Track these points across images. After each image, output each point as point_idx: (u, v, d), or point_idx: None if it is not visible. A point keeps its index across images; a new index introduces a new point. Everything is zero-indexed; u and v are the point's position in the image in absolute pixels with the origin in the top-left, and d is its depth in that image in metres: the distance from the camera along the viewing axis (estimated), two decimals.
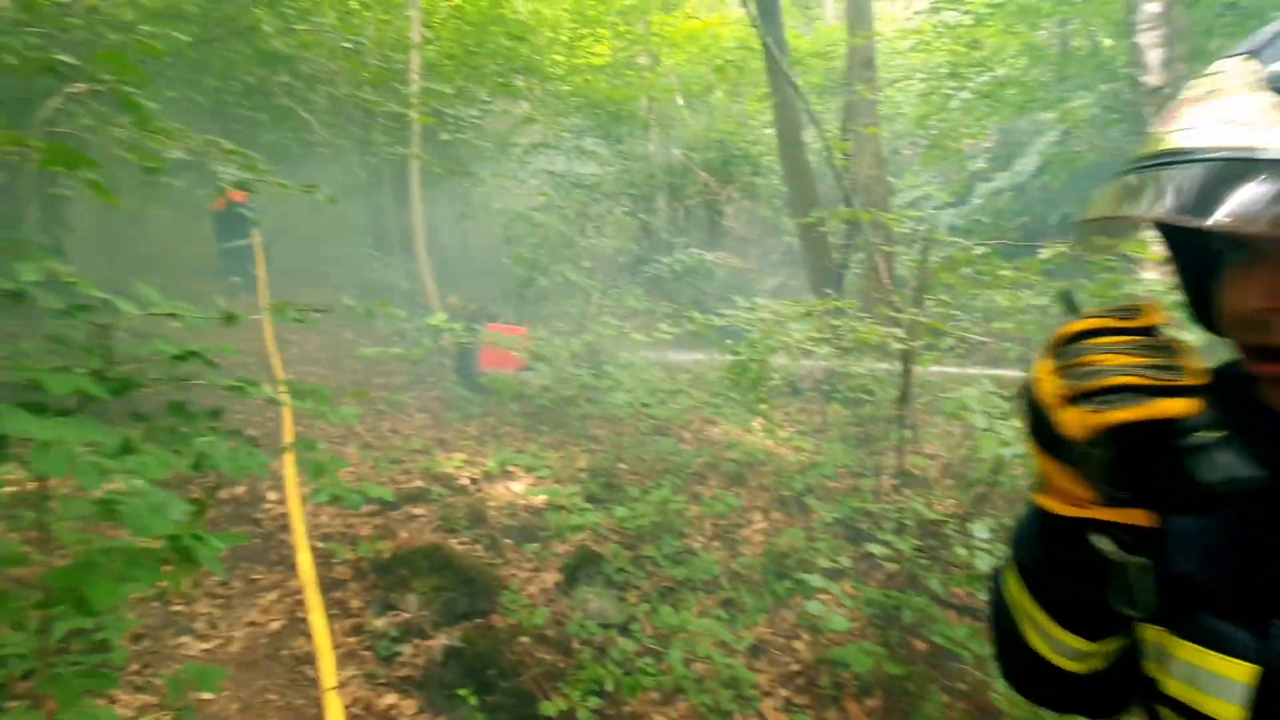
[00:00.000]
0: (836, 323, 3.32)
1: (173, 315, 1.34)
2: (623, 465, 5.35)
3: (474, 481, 4.76)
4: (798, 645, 3.51)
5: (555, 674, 2.94)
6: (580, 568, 3.66)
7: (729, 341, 5.18)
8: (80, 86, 2.09)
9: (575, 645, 3.15)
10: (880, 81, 10.06)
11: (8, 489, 3.49)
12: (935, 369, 4.73)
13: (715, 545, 4.31)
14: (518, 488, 4.73)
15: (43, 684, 1.40)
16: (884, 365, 6.21)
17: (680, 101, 16.12)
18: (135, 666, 2.63)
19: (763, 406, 4.57)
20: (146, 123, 1.39)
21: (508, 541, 4.01)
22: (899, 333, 3.03)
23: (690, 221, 15.54)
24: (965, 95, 9.56)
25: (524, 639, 3.11)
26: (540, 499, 4.51)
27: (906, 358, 3.27)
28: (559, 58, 14.21)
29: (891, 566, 3.13)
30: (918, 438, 4.66)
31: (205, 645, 2.88)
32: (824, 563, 3.48)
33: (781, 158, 9.65)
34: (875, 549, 2.42)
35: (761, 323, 3.25)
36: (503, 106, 13.37)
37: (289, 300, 1.86)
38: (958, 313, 3.67)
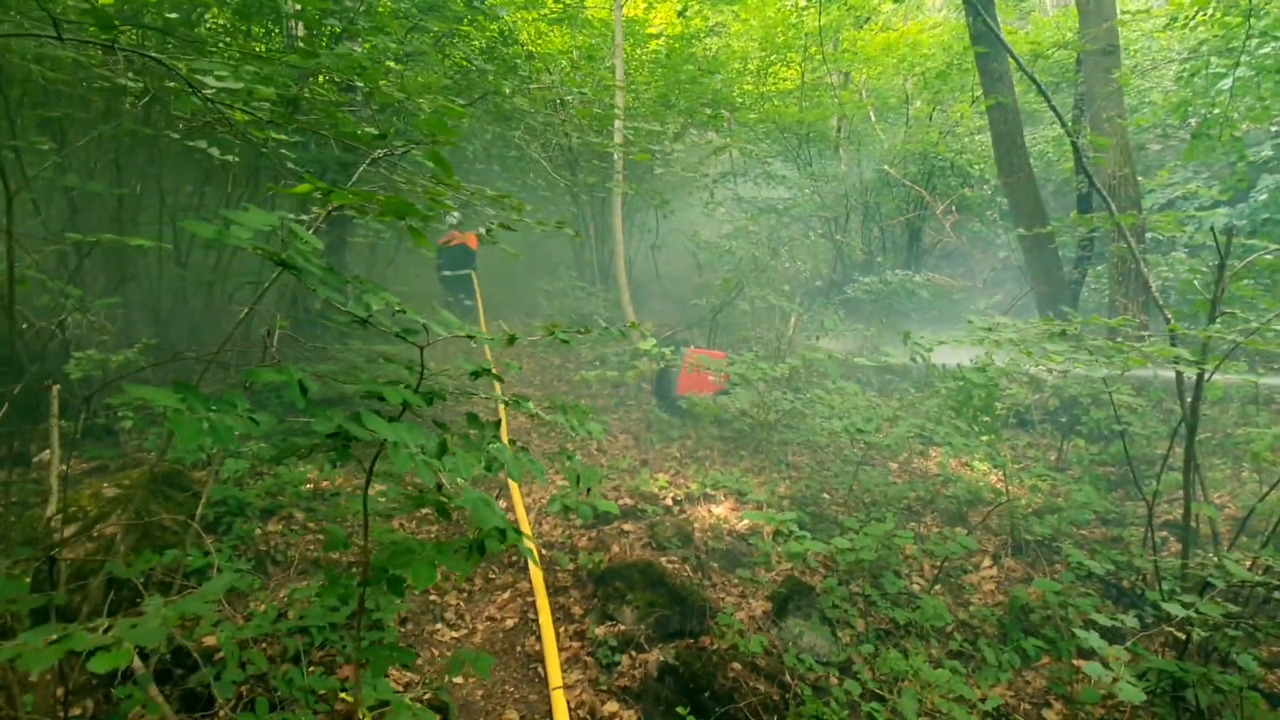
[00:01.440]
0: (1100, 342, 2.85)
1: (470, 336, 1.54)
2: (826, 495, 5.12)
3: (677, 502, 4.85)
4: (1049, 715, 3.05)
5: (770, 707, 2.85)
6: (790, 599, 3.54)
7: (949, 365, 4.75)
8: (381, 150, 2.54)
9: (789, 679, 3.03)
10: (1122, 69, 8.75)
11: (307, 486, 4.24)
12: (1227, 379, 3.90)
13: (937, 590, 3.93)
14: (719, 511, 4.73)
15: (361, 652, 1.66)
16: (1145, 372, 5.29)
17: (873, 118, 15.43)
18: (401, 644, 3.02)
19: (986, 438, 4.10)
20: (449, 175, 1.64)
21: (714, 565, 4.01)
22: (1186, 354, 2.52)
23: (887, 240, 14.70)
24: (1242, 72, 7.96)
25: (736, 665, 3.06)
26: (744, 524, 4.46)
27: (1197, 384, 2.71)
28: (748, 86, 14.36)
29: (1174, 633, 2.60)
30: (1201, 482, 3.86)
31: (454, 633, 3.23)
32: (1084, 622, 3.00)
33: (999, 164, 8.79)
34: (1174, 608, 1.98)
35: (1009, 343, 2.90)
36: (694, 139, 13.80)
37: (511, 324, 2.05)
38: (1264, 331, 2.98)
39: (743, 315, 8.91)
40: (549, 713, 2.75)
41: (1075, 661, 3.02)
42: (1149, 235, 8.70)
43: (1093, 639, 2.03)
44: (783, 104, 14.23)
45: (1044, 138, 14.19)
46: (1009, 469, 4.27)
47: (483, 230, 2.82)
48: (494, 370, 1.57)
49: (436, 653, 3.07)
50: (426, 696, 2.68)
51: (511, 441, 1.71)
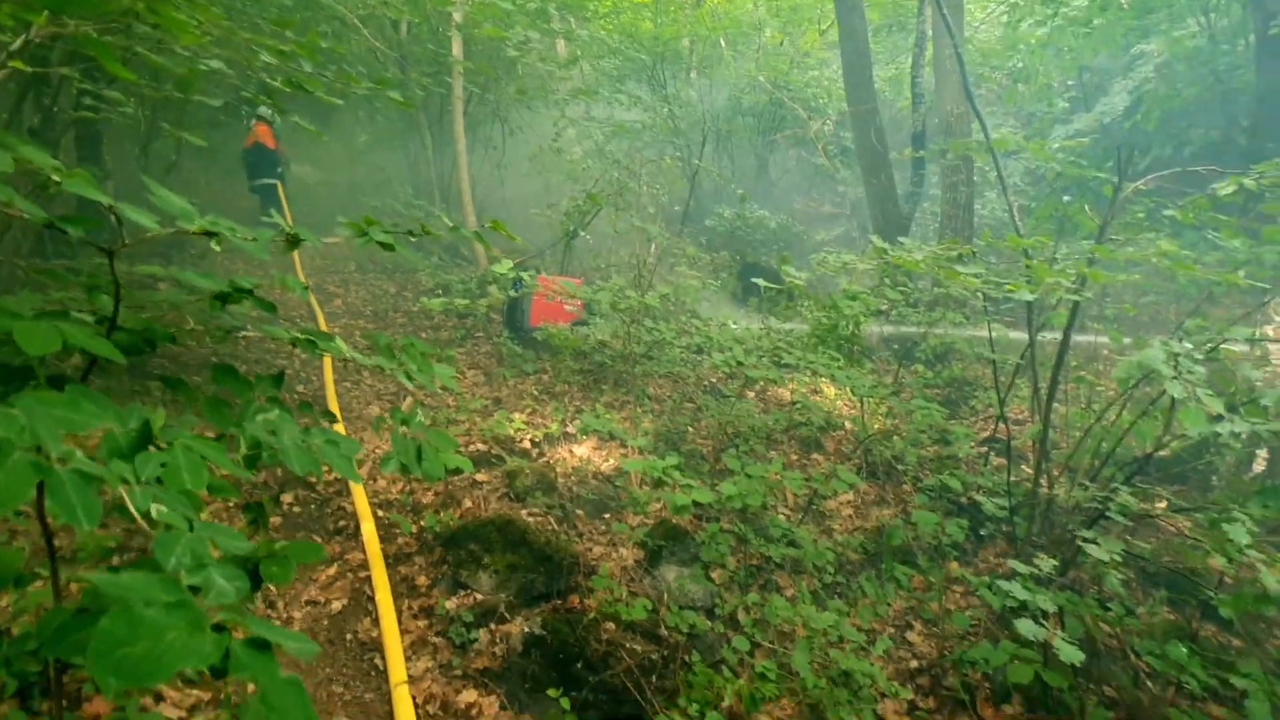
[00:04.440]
0: (974, 272, 2.78)
1: (210, 234, 0.92)
2: (690, 429, 4.94)
3: (535, 444, 4.40)
4: (912, 637, 3.11)
5: (650, 667, 2.59)
6: (664, 545, 3.29)
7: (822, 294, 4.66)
8: None
9: (665, 633, 2.79)
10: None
11: None
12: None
13: (800, 517, 3.91)
14: (581, 451, 4.37)
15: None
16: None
17: (724, 44, 15.16)
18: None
19: (857, 368, 4.07)
20: None
21: (579, 512, 3.65)
22: (1066, 282, 2.50)
23: (737, 170, 14.77)
24: (1058, 23, 8.59)
25: (611, 625, 2.76)
26: (609, 465, 4.14)
27: (1073, 310, 2.74)
28: None
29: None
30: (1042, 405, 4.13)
31: None
32: (1009, 573, 3.03)
33: (849, 94, 8.89)
34: (1095, 550, 1.90)
35: (920, 264, 2.73)
36: (544, 51, 12.64)
37: (294, 281, 1.39)
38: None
39: (599, 241, 8.41)
40: (390, 714, 2.27)
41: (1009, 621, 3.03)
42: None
43: (1016, 590, 1.96)
44: (638, 17, 13.46)
45: (879, 76, 14.81)
46: (866, 395, 4.31)
47: (267, 110, 2.03)
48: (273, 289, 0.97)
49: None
50: (224, 718, 2.07)
51: (307, 404, 1.13)
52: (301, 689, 0.80)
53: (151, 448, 0.76)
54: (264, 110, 8.66)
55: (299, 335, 1.14)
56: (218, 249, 0.95)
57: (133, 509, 0.71)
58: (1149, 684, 2.86)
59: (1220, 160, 8.45)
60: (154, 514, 0.73)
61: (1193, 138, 10.50)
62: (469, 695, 2.39)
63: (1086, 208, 3.45)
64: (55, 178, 0.79)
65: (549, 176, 10.80)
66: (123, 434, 0.76)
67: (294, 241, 1.08)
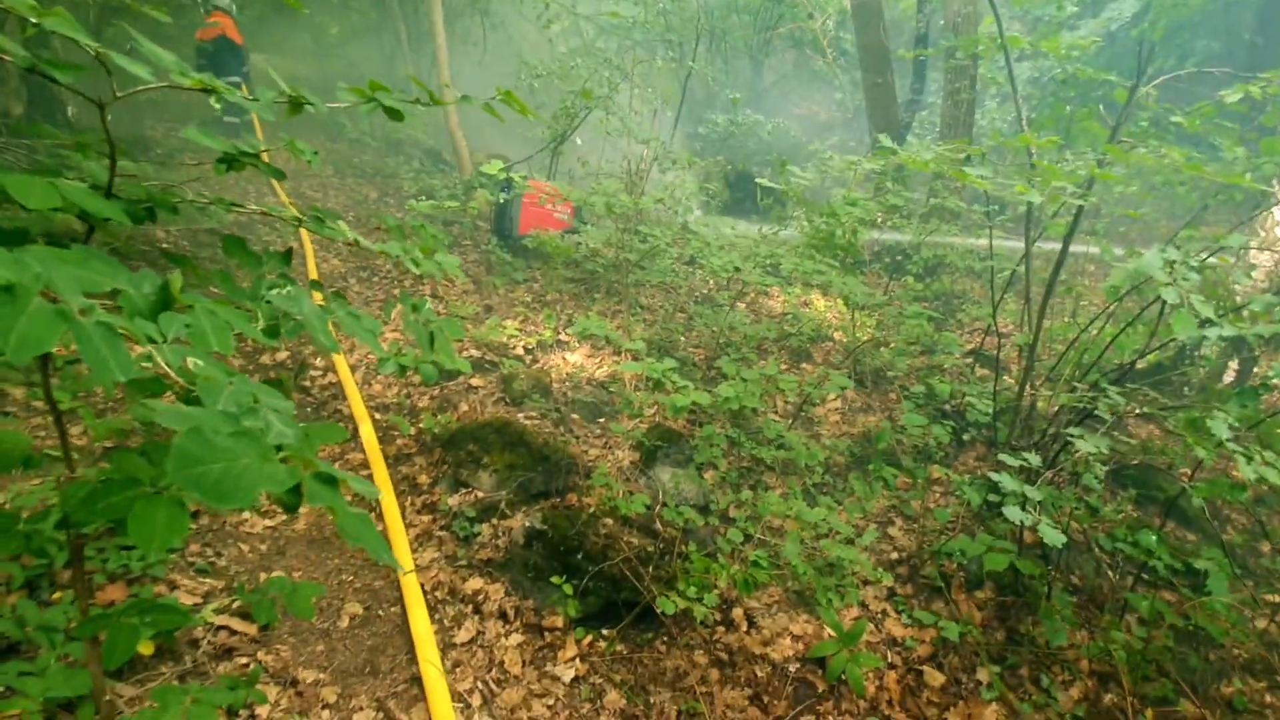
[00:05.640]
0: (978, 174, 2.71)
1: (209, 90, 0.85)
2: (682, 338, 4.97)
3: (529, 351, 4.42)
4: (893, 532, 3.28)
5: (647, 559, 2.71)
6: (659, 447, 3.37)
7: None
8: None
9: (662, 529, 2.91)
10: None
11: None
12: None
13: (790, 422, 4.01)
14: (574, 358, 4.39)
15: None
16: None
17: None
18: (195, 546, 2.40)
19: (850, 276, 4.06)
20: None
21: (575, 416, 3.71)
22: (1073, 185, 2.47)
23: (730, 74, 14.12)
24: None
25: (609, 521, 2.86)
26: (603, 371, 4.17)
27: (1076, 216, 2.72)
28: None
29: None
30: (1031, 314, 4.18)
31: (268, 522, 2.66)
32: (997, 464, 3.13)
33: None
34: (1083, 444, 1.98)
35: (926, 163, 2.66)
36: None
37: (303, 145, 1.28)
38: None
39: (587, 146, 8.10)
40: (399, 600, 2.37)
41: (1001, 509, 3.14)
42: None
43: (1006, 480, 2.05)
44: None
45: None
46: (858, 306, 4.33)
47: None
48: (263, 154, 0.92)
49: (246, 548, 2.49)
50: (235, 605, 2.16)
51: (317, 284, 1.10)
52: (370, 521, 0.82)
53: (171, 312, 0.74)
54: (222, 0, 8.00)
55: (305, 214, 1.10)
56: (218, 107, 0.89)
57: (164, 364, 0.70)
58: (1109, 573, 3.07)
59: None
60: (191, 367, 0.71)
61: (1196, 49, 10.16)
62: (475, 583, 2.50)
63: (1101, 108, 3.36)
64: (33, 19, 0.72)
65: (533, 79, 10.24)
66: (139, 296, 0.73)
67: (297, 105, 1.01)
